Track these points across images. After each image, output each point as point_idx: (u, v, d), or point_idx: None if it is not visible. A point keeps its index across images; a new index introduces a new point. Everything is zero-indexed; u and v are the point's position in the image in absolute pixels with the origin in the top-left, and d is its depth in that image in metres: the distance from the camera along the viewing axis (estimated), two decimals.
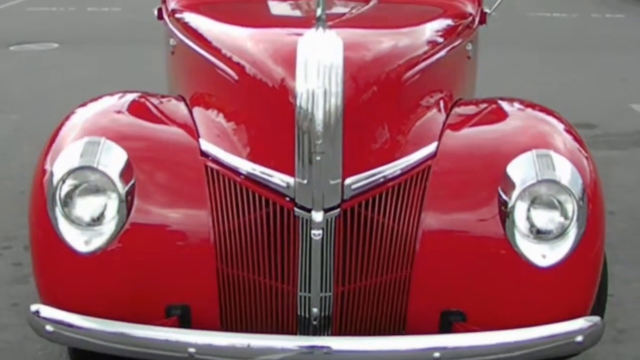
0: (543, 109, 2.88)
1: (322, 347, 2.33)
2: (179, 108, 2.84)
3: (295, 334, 2.48)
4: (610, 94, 7.73)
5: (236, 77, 2.69)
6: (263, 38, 2.76)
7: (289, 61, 2.42)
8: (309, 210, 2.38)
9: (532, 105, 2.92)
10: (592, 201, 2.53)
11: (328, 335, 2.47)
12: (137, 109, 2.81)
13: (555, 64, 9.26)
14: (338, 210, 2.40)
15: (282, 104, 2.41)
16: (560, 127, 2.75)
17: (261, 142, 2.52)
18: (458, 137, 2.70)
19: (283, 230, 2.44)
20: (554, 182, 2.46)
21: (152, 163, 2.57)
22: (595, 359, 3.14)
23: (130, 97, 2.88)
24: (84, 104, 2.84)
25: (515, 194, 2.45)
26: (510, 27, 11.84)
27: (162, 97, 2.98)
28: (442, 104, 2.86)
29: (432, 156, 2.59)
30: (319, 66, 2.35)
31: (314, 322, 2.45)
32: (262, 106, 2.54)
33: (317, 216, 2.37)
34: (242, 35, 2.85)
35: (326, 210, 2.38)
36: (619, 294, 3.70)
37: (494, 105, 2.96)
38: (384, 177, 2.48)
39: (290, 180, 2.40)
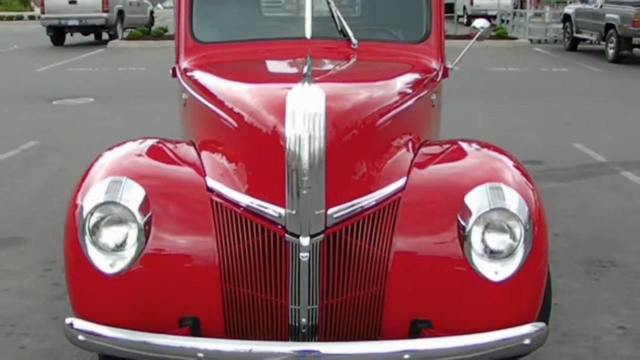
0: (496, 149, 2.89)
1: (312, 350, 2.33)
2: (189, 152, 2.86)
3: (287, 340, 2.47)
4: (555, 135, 7.79)
5: (236, 125, 2.71)
6: (258, 92, 2.78)
7: (279, 111, 2.44)
8: (298, 236, 2.39)
9: (487, 146, 2.94)
10: (537, 226, 2.54)
11: (315, 341, 2.46)
12: (154, 152, 2.83)
13: (510, 110, 9.35)
14: (322, 235, 2.40)
15: (274, 147, 2.42)
16: (510, 163, 2.76)
17: (257, 179, 2.53)
18: (424, 173, 2.71)
19: (276, 253, 2.44)
20: (504, 210, 2.47)
21: (166, 198, 2.58)
22: (541, 359, 3.12)
23: (149, 142, 2.91)
24: (110, 148, 2.85)
25: (471, 220, 2.46)
26: (472, 80, 11.98)
27: (176, 142, 2.99)
28: (410, 145, 2.87)
29: (402, 189, 2.60)
30: (304, 115, 2.37)
31: (303, 330, 2.44)
32: (257, 149, 2.56)
33: (305, 241, 2.38)
34: (241, 90, 2.87)
35: (312, 236, 2.39)
36: (562, 303, 3.70)
37: (454, 146, 2.97)
38: (361, 207, 2.49)
39: (282, 211, 2.41)
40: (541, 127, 8.23)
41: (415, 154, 2.83)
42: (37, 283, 3.97)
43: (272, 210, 2.44)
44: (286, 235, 2.41)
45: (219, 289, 2.48)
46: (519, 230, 2.47)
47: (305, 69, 2.74)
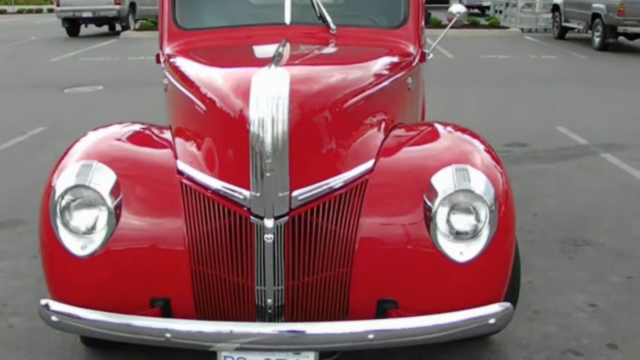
0: (470, 133, 2.75)
1: (263, 333, 2.24)
2: (164, 135, 2.73)
3: (255, 321, 2.35)
4: (541, 119, 7.61)
5: (205, 109, 2.58)
6: (227, 76, 2.64)
7: (245, 94, 2.30)
8: (262, 218, 2.27)
9: (462, 130, 2.80)
10: (503, 207, 2.41)
11: (281, 321, 2.34)
12: (130, 136, 2.72)
13: (499, 95, 9.16)
14: (287, 217, 2.28)
15: (240, 130, 2.29)
16: (481, 147, 2.62)
17: (224, 162, 2.40)
18: (392, 155, 2.58)
19: (242, 235, 2.32)
20: (469, 192, 2.34)
21: (137, 181, 2.47)
22: (512, 336, 3.00)
23: (129, 126, 2.81)
24: (87, 133, 2.74)
25: (437, 201, 2.33)
26: (465, 67, 11.80)
27: (157, 127, 2.86)
28: (381, 127, 2.73)
29: (370, 171, 2.47)
30: (268, 98, 2.24)
31: (269, 311, 2.33)
32: (225, 132, 2.43)
33: (269, 223, 2.26)
34: (212, 75, 2.74)
35: (276, 218, 2.27)
36: (536, 281, 3.58)
37: (427, 129, 2.84)
38: (327, 188, 2.36)
39: (247, 193, 2.29)
40: (527, 111, 8.06)
41: (386, 137, 2.70)
42: (30, 264, 3.86)
43: (238, 192, 2.32)
44: (251, 217, 2.28)
45: (188, 270, 2.37)
46: (484, 212, 2.34)
47: (274, 53, 2.60)
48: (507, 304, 2.38)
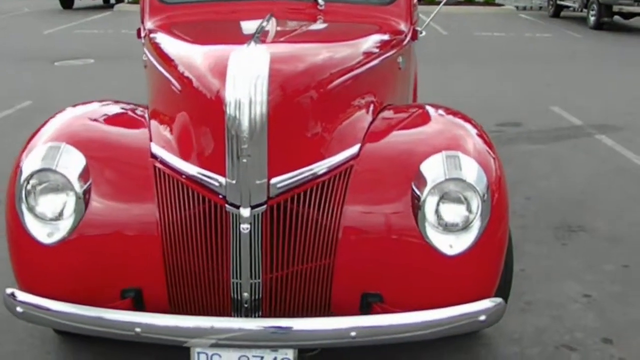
0: (462, 117, 2.55)
1: (244, 329, 2.06)
2: (141, 116, 2.52)
3: (230, 315, 2.17)
4: (535, 98, 7.40)
5: (181, 88, 2.37)
6: (205, 54, 2.42)
7: (221, 74, 2.10)
8: (238, 207, 2.07)
9: (454, 113, 2.59)
10: (495, 197, 2.22)
11: (258, 316, 2.17)
12: (105, 115, 2.50)
13: (493, 73, 8.94)
14: (265, 206, 2.08)
15: (216, 112, 2.09)
16: (473, 131, 2.42)
17: (199, 146, 2.20)
18: (380, 139, 2.38)
19: (217, 224, 2.13)
20: (460, 180, 2.15)
21: (107, 164, 2.27)
22: (504, 329, 2.83)
23: (105, 105, 2.60)
24: (61, 111, 2.53)
25: (426, 190, 2.14)
26: (459, 45, 11.54)
27: (135, 106, 2.65)
28: (369, 109, 2.52)
29: (355, 156, 2.28)
30: (245, 77, 2.04)
31: (245, 305, 2.14)
32: (201, 114, 2.22)
33: (245, 212, 2.06)
34: (190, 52, 2.52)
35: (253, 207, 2.07)
36: (529, 269, 3.40)
37: (417, 111, 2.64)
38: (309, 175, 2.16)
39: (223, 180, 2.09)
40: (522, 90, 7.84)
41: (374, 119, 2.50)
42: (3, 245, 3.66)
43: (213, 179, 2.12)
44: (226, 205, 2.09)
45: (161, 260, 2.18)
46: (475, 202, 2.16)
47: (255, 29, 2.39)
48: (499, 300, 2.21)
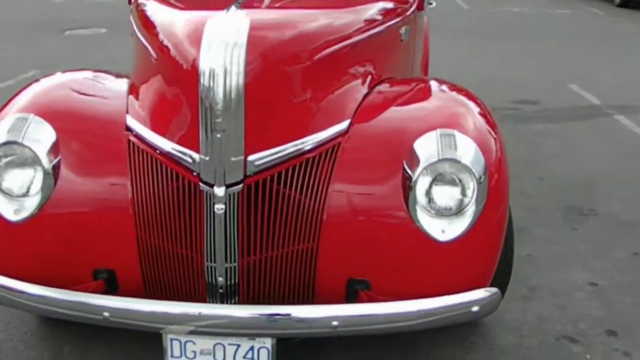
0: (466, 93, 2.38)
1: (217, 315, 1.92)
2: (120, 86, 2.37)
3: (205, 301, 2.04)
4: (553, 76, 7.15)
5: (157, 57, 2.23)
6: (183, 20, 2.25)
7: (197, 41, 1.94)
8: (212, 186, 1.93)
9: (458, 89, 2.42)
10: (494, 180, 2.05)
11: (235, 303, 2.03)
12: (83, 85, 2.35)
13: (511, 50, 8.66)
14: (241, 185, 1.94)
15: (190, 82, 1.94)
16: (475, 110, 2.25)
17: (174, 119, 2.05)
18: (372, 115, 2.21)
19: (191, 203, 1.99)
20: (455, 161, 1.99)
21: (79, 137, 2.13)
22: (503, 316, 2.68)
23: (85, 75, 2.45)
24: (37, 80, 2.40)
25: (418, 170, 1.99)
26: (477, 20, 11.22)
27: (115, 76, 2.50)
28: (363, 82, 2.35)
29: (344, 133, 2.12)
30: (221, 45, 1.88)
31: (221, 290, 2.01)
32: (175, 85, 2.07)
33: (219, 191, 1.92)
34: (168, 18, 2.36)
35: (228, 186, 1.93)
36: (536, 254, 3.24)
37: (419, 86, 2.47)
38: (291, 153, 2.02)
39: (197, 156, 1.95)
40: (540, 67, 7.58)
41: (367, 94, 2.33)
42: None
43: (187, 155, 1.97)
44: (200, 184, 1.95)
45: (134, 239, 2.05)
46: (471, 185, 2.00)
47: None
48: (494, 290, 2.05)
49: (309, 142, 2.05)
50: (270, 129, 1.98)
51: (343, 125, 2.13)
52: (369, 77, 2.41)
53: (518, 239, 3.35)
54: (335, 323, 1.93)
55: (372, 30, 2.51)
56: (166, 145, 2.02)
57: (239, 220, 1.95)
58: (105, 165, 2.10)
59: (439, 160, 1.98)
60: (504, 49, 8.68)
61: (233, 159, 1.91)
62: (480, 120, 2.20)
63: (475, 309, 2.00)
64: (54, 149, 2.07)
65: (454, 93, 2.41)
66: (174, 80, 2.07)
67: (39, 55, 7.89)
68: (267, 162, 1.97)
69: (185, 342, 2.00)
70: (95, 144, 2.13)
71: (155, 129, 2.08)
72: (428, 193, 2.00)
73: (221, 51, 1.87)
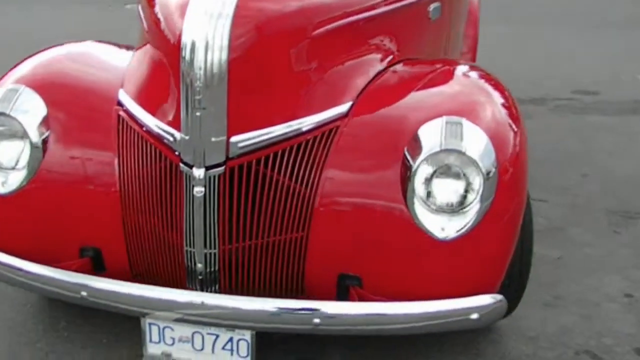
0: (492, 81, 2.18)
1: (188, 303, 1.83)
2: (121, 59, 2.26)
3: (185, 286, 1.93)
4: (621, 64, 6.70)
5: (147, 29, 2.12)
6: None
7: (183, 12, 1.81)
8: (192, 167, 1.81)
9: (485, 76, 2.21)
10: (506, 177, 1.87)
11: (215, 291, 1.92)
12: (81, 58, 2.27)
13: (569, 35, 8.08)
14: (222, 168, 1.81)
15: (174, 57, 1.82)
16: (498, 100, 2.05)
17: (159, 95, 1.94)
18: (380, 97, 2.05)
19: (172, 185, 1.88)
20: (459, 153, 1.81)
21: (70, 110, 2.07)
22: (520, 323, 2.48)
23: (91, 47, 2.38)
24: (42, 50, 2.33)
25: (418, 160, 1.82)
26: (537, 3, 10.64)
27: (124, 49, 2.41)
28: (373, 62, 2.18)
29: (344, 116, 1.96)
30: (204, 16, 1.75)
31: (200, 277, 1.90)
32: (161, 59, 1.96)
33: (198, 173, 1.80)
34: None
35: (209, 168, 1.81)
36: (568, 257, 3.00)
37: (441, 69, 2.28)
38: (280, 135, 1.88)
39: (178, 135, 1.83)
40: (603, 56, 7.11)
41: (378, 75, 2.16)
42: None
43: (169, 133, 1.87)
44: (180, 164, 1.83)
45: (119, 217, 1.97)
46: (477, 181, 1.81)
47: None
48: (499, 297, 1.88)
49: (302, 124, 1.90)
50: (258, 109, 1.84)
51: (343, 107, 1.98)
52: (382, 56, 2.24)
53: (551, 239, 3.14)
54: (316, 320, 1.80)
55: (388, 6, 2.31)
56: (150, 122, 1.92)
57: (219, 205, 1.83)
58: (95, 140, 2.02)
59: (442, 151, 1.80)
60: (563, 33, 8.17)
61: (214, 139, 1.78)
62: (501, 111, 2.00)
63: (474, 316, 1.83)
64: (44, 122, 2.01)
65: (478, 80, 2.21)
66: (160, 54, 1.96)
67: (95, 29, 7.92)
68: (253, 144, 1.84)
69: (164, 327, 1.91)
70: (87, 118, 2.06)
71: (143, 104, 1.98)
72: (428, 186, 1.83)
73: (204, 23, 1.74)
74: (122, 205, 1.96)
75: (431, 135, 1.84)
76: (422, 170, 1.82)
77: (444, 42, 3.00)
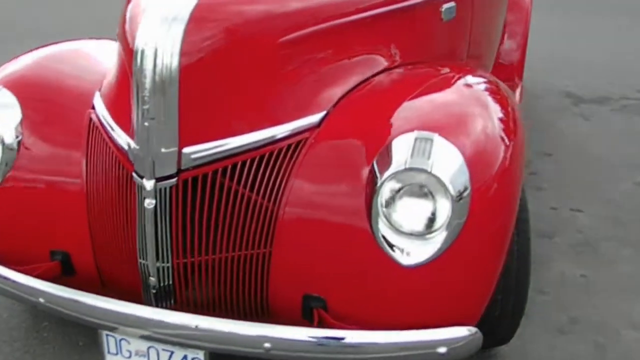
0: (492, 90, 2.00)
1: (138, 317, 1.75)
2: (110, 59, 2.21)
3: (141, 299, 1.87)
4: None
5: (118, 31, 2.04)
6: None
7: (142, 12, 1.73)
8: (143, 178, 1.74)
9: (487, 85, 2.04)
10: (485, 198, 1.70)
11: (169, 307, 1.85)
12: (68, 58, 2.25)
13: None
14: (174, 180, 1.73)
15: (130, 62, 1.74)
16: (492, 112, 1.87)
17: (121, 101, 1.87)
18: (356, 108, 1.91)
19: (128, 194, 1.82)
20: (425, 172, 1.65)
21: (46, 111, 2.05)
22: (526, 349, 2.29)
23: (80, 44, 2.35)
24: (38, 48, 2.32)
25: (383, 178, 1.67)
26: None
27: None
28: (358, 70, 2.02)
29: (315, 127, 1.84)
30: (157, 20, 1.66)
31: (153, 291, 1.83)
32: (123, 63, 1.88)
33: (148, 184, 1.72)
34: None
35: (160, 179, 1.72)
36: (593, 276, 2.75)
37: (438, 76, 2.11)
38: (240, 147, 1.77)
39: (133, 144, 1.76)
40: None
41: (362, 83, 2.01)
42: None
43: (125, 141, 1.80)
44: (133, 174, 1.76)
45: (86, 222, 1.93)
46: (445, 203, 1.65)
47: None
48: (473, 330, 1.71)
49: (266, 135, 1.79)
50: (214, 119, 1.74)
51: (315, 118, 1.85)
52: (371, 63, 2.08)
53: (580, 254, 2.90)
54: (267, 345, 1.70)
55: (387, 6, 2.15)
56: (112, 128, 1.87)
57: (172, 218, 1.75)
58: (66, 143, 2.00)
59: (405, 170, 1.65)
60: (627, 24, 7.50)
61: (164, 150, 1.70)
62: (489, 125, 1.82)
63: (441, 350, 1.68)
64: (19, 124, 1.99)
65: (473, 90, 2.03)
66: (122, 59, 1.89)
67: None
68: (209, 155, 1.74)
69: (120, 340, 1.86)
70: (61, 120, 2.03)
71: (110, 109, 1.92)
72: (393, 206, 1.68)
73: (156, 27, 1.65)
74: (87, 210, 1.92)
75: (399, 152, 1.69)
76: (386, 189, 1.67)
77: (464, 44, 2.78)
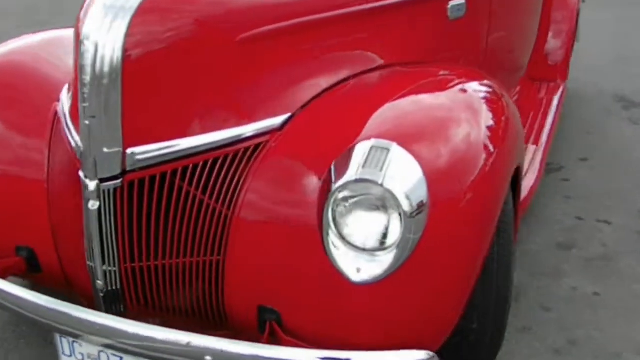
0: (484, 93, 1.86)
1: (76, 318, 1.68)
2: None
3: (92, 302, 1.81)
4: None
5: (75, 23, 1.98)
6: None
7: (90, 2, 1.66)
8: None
9: (488, 90, 1.89)
10: (449, 214, 1.56)
11: (118, 311, 1.77)
12: (51, 48, 2.20)
13: None
14: (119, 181, 1.65)
15: (76, 57, 1.68)
16: (474, 118, 1.73)
17: (74, 94, 1.80)
18: (325, 111, 1.79)
19: (76, 193, 1.75)
20: (376, 184, 1.52)
21: (16, 103, 2.01)
22: None
23: (63, 32, 2.28)
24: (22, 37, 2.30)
25: (334, 188, 1.56)
26: None
27: None
28: (334, 70, 1.89)
29: (277, 130, 1.73)
30: (102, 11, 1.58)
31: (101, 295, 1.77)
32: (75, 57, 1.81)
33: (91, 185, 1.65)
34: None
35: (103, 180, 1.65)
36: (608, 295, 2.54)
37: (433, 77, 1.96)
38: (192, 148, 1.67)
39: (80, 142, 1.70)
40: None
41: (338, 84, 1.88)
42: None
43: (74, 139, 1.74)
44: (80, 173, 1.70)
45: (47, 219, 1.89)
46: (397, 218, 1.52)
47: None
48: (430, 354, 1.57)
49: (221, 137, 1.69)
50: (164, 118, 1.66)
51: (277, 120, 1.74)
52: (352, 63, 1.94)
53: (596, 269, 2.69)
54: (208, 358, 1.61)
55: (358, 6, 1.97)
56: (66, 124, 1.81)
57: (117, 220, 1.67)
58: (31, 134, 1.96)
59: (355, 181, 1.52)
60: None
61: (106, 150, 1.62)
62: (471, 135, 1.67)
63: None
64: None
65: (467, 95, 1.87)
66: (75, 49, 1.80)
67: None
68: (157, 157, 1.65)
69: (73, 342, 1.80)
70: (29, 113, 2.00)
71: (70, 100, 1.86)
72: (343, 219, 1.56)
73: (99, 17, 1.57)
74: (48, 206, 1.87)
75: (355, 161, 1.56)
76: (338, 200, 1.55)
77: (479, 46, 2.57)
